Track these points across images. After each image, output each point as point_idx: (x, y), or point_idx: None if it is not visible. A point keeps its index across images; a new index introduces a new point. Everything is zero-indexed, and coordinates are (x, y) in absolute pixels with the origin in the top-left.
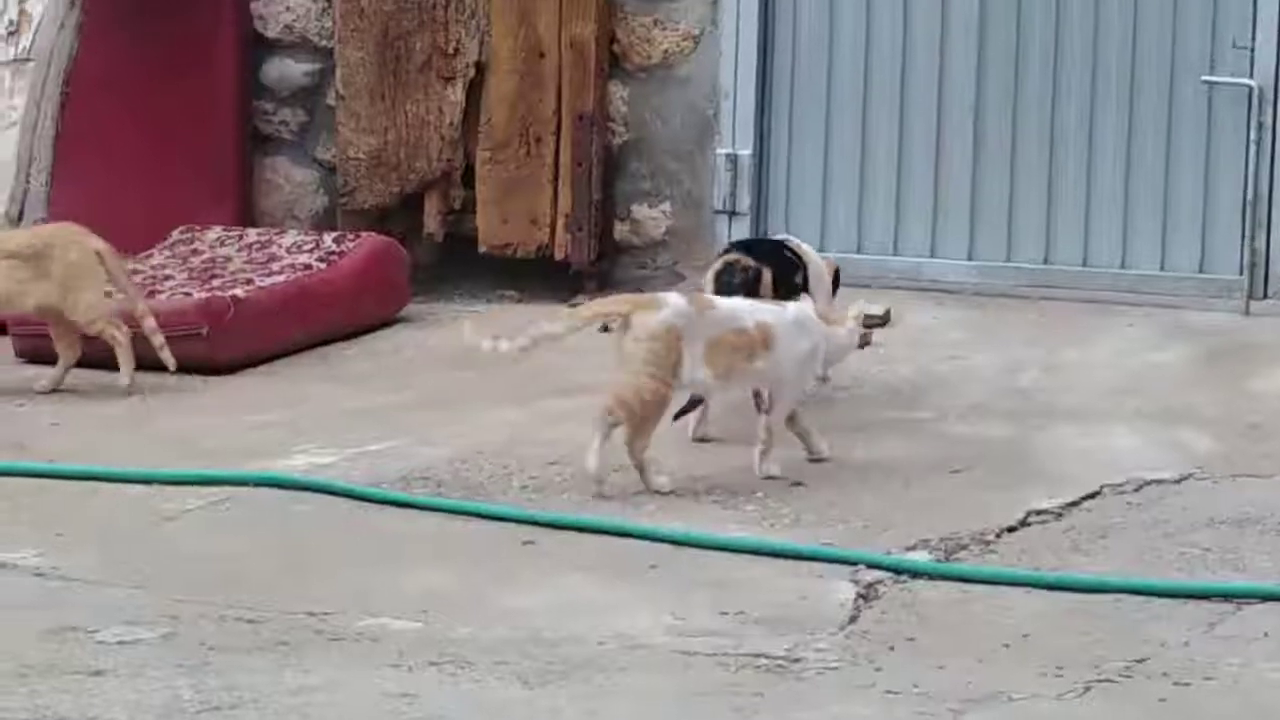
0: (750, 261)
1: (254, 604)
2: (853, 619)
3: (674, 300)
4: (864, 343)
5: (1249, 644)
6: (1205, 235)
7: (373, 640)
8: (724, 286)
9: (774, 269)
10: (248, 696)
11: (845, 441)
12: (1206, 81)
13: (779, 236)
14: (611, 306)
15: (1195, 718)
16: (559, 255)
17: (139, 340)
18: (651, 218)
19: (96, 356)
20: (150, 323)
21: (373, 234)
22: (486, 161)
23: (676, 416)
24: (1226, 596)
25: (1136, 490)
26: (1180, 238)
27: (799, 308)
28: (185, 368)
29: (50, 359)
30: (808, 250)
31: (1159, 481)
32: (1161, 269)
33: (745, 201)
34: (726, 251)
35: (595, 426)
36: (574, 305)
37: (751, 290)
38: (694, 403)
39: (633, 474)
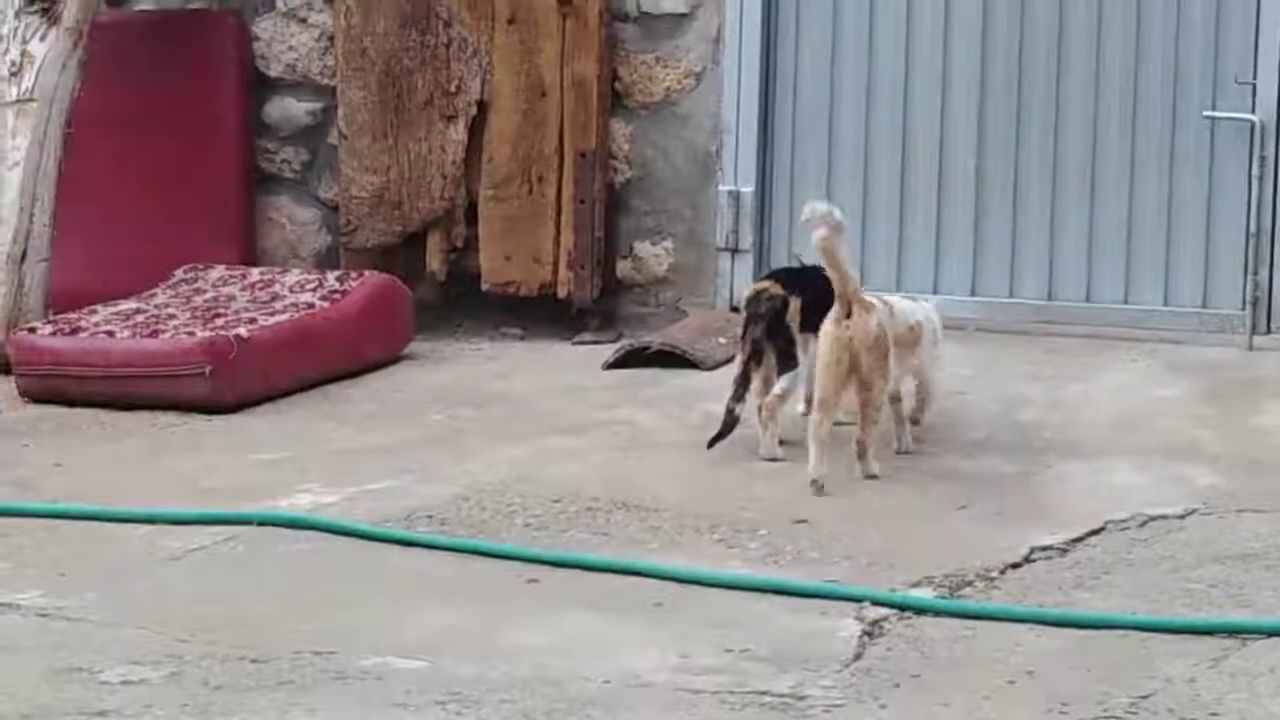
0: (778, 290)
1: (258, 643)
2: (857, 656)
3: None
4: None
5: (1255, 679)
6: (1208, 270)
7: (378, 679)
8: (751, 315)
9: (805, 297)
10: None
11: (849, 478)
12: (1209, 117)
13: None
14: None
15: None
16: (562, 293)
17: (141, 381)
18: (654, 255)
19: (100, 398)
20: None
21: (375, 272)
22: (489, 199)
23: (711, 443)
24: (1232, 632)
25: (1141, 526)
26: (1183, 273)
27: (930, 306)
28: (189, 407)
29: (56, 398)
30: None
31: (1163, 517)
32: (1164, 304)
33: (748, 239)
34: (764, 278)
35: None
36: (579, 343)
37: (779, 319)
38: (727, 429)
39: (636, 512)
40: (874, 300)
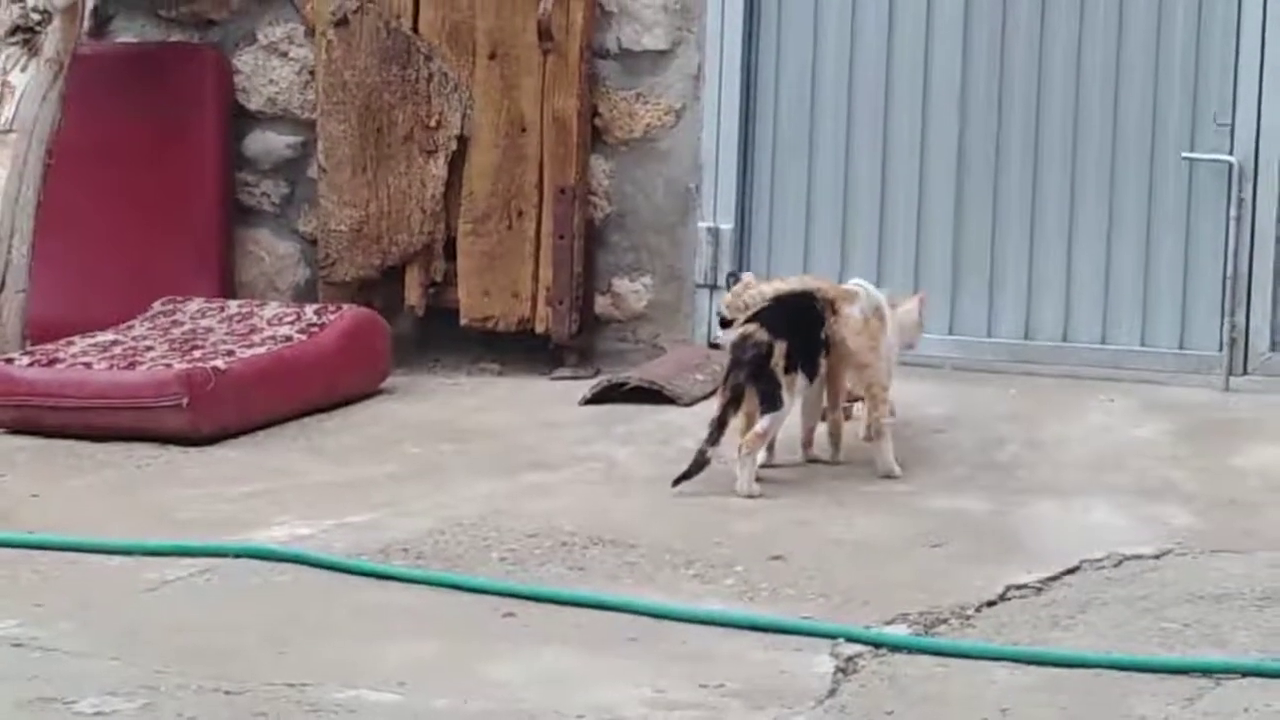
0: (764, 335)
1: (233, 675)
2: (832, 692)
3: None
4: (844, 416)
5: (1229, 719)
6: (1185, 311)
7: (351, 712)
8: (735, 360)
9: (790, 340)
10: None
11: (825, 515)
12: (1187, 158)
13: (852, 283)
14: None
15: None
16: (540, 328)
17: (118, 413)
18: (633, 291)
19: (77, 429)
20: None
21: (354, 306)
22: (468, 234)
23: (676, 482)
24: (1206, 672)
25: (1116, 565)
26: (1160, 313)
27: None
28: (166, 439)
29: (33, 429)
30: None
31: (1138, 557)
32: (1142, 344)
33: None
34: (749, 318)
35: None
36: (556, 378)
37: (763, 364)
38: (695, 469)
39: (612, 548)
40: (851, 287)
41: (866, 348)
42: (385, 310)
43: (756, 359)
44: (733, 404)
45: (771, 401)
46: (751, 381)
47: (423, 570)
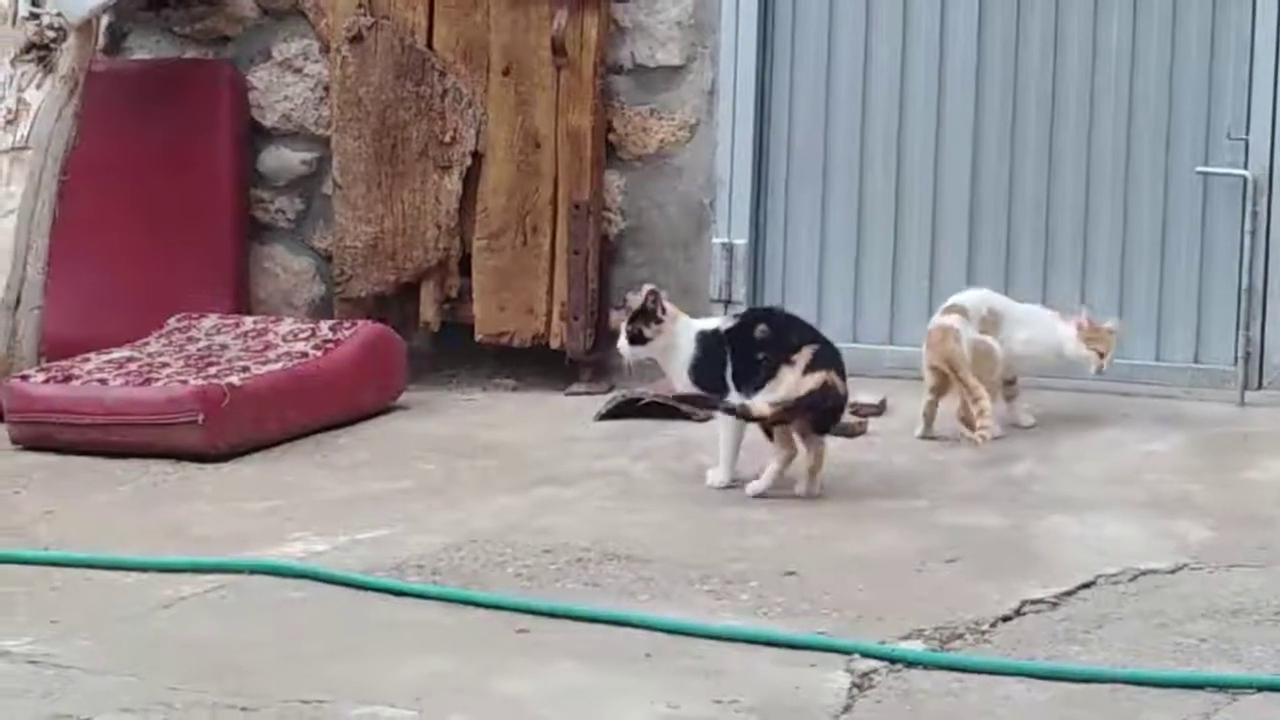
0: (842, 388)
1: (248, 691)
2: (847, 708)
3: None
4: (858, 432)
5: None
6: (1200, 325)
7: None
8: (812, 405)
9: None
10: None
11: (839, 530)
12: (1201, 172)
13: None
14: None
15: None
16: (555, 344)
17: (133, 429)
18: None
19: (93, 446)
20: None
21: (369, 322)
22: (483, 250)
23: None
24: (1222, 687)
25: (1131, 580)
26: (1175, 328)
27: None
28: (181, 455)
29: (49, 446)
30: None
31: (1154, 571)
32: (1156, 359)
33: (741, 290)
34: (827, 366)
35: None
36: (571, 394)
37: (839, 416)
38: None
39: (627, 563)
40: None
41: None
42: (400, 326)
43: (836, 411)
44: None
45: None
46: (823, 430)
47: (438, 586)
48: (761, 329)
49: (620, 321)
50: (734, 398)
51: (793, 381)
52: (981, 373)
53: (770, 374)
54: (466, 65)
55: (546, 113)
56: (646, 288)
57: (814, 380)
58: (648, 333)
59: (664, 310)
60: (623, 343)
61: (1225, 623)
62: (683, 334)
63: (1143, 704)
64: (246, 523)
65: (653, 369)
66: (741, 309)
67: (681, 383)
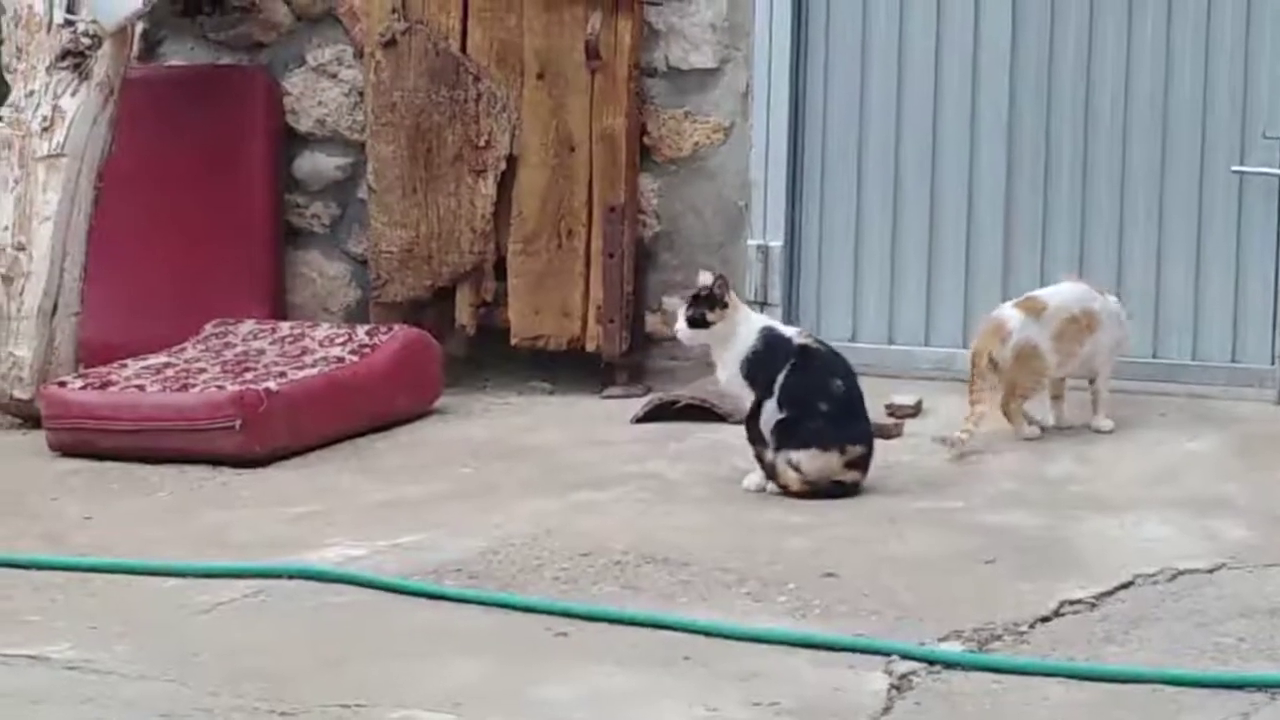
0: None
1: (287, 696)
2: (886, 710)
3: None
4: (894, 433)
5: None
6: (1236, 324)
7: None
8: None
9: None
10: None
11: (876, 532)
12: (1236, 171)
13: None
14: None
15: None
16: (590, 347)
17: (171, 435)
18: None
19: (130, 451)
20: None
21: (405, 327)
22: (518, 254)
23: None
24: (1261, 686)
25: (1170, 580)
26: (1211, 327)
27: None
28: (218, 460)
29: (87, 452)
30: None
31: (1192, 571)
32: (1193, 358)
33: (776, 292)
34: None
35: None
36: (607, 397)
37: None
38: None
39: (664, 566)
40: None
41: None
42: (436, 330)
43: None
44: None
45: None
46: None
47: (475, 590)
48: (838, 384)
49: (678, 307)
50: (770, 408)
51: (835, 465)
52: (1024, 375)
53: (820, 443)
54: (500, 69)
55: (581, 116)
56: (711, 274)
57: (849, 475)
58: (711, 317)
59: (729, 298)
60: (681, 326)
61: (1264, 622)
62: (743, 325)
63: (1182, 704)
64: (284, 528)
65: (689, 372)
66: (778, 312)
67: (729, 374)
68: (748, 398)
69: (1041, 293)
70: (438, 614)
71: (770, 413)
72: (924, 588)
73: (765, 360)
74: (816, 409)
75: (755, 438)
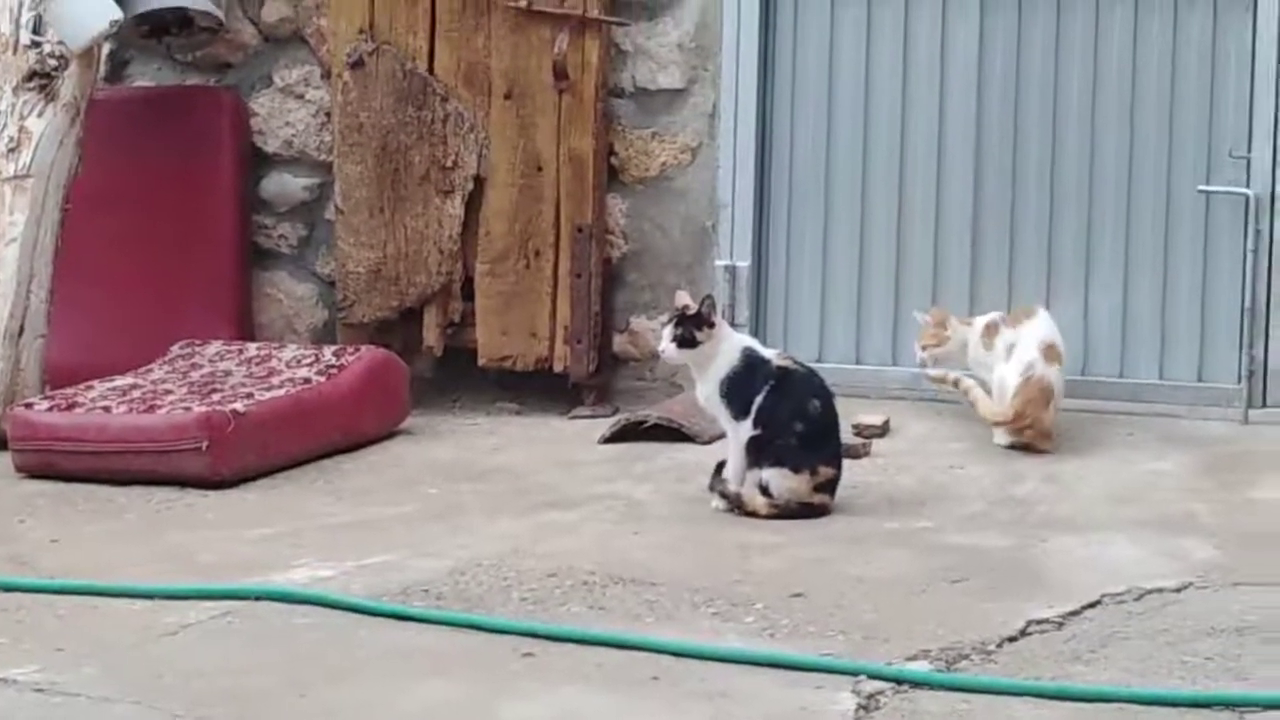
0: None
1: (254, 717)
2: None
3: None
4: (862, 453)
5: None
6: (1203, 344)
7: None
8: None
9: None
10: None
11: (844, 552)
12: (1203, 191)
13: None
14: None
15: None
16: (558, 367)
17: (137, 457)
18: (650, 329)
19: (97, 473)
20: None
21: (372, 347)
22: (485, 274)
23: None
24: (1228, 705)
25: (1137, 599)
26: (1179, 346)
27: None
28: (185, 482)
29: (53, 474)
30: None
31: (1159, 590)
32: (1160, 378)
33: (744, 313)
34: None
35: None
36: (575, 417)
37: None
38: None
39: (632, 586)
40: None
41: None
42: (403, 351)
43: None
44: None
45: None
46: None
47: (443, 611)
48: (814, 405)
49: (662, 326)
50: (745, 428)
51: (804, 488)
52: (1048, 412)
53: (792, 463)
54: (468, 90)
55: (548, 136)
56: (688, 295)
57: (818, 498)
58: (700, 337)
59: (715, 319)
60: (667, 345)
61: (1231, 641)
62: (725, 344)
63: None
64: (251, 549)
65: (656, 392)
66: (745, 332)
67: (707, 392)
68: (724, 417)
69: (1047, 333)
70: (405, 635)
71: (745, 433)
72: (891, 608)
73: (744, 381)
74: (791, 429)
75: (721, 466)
